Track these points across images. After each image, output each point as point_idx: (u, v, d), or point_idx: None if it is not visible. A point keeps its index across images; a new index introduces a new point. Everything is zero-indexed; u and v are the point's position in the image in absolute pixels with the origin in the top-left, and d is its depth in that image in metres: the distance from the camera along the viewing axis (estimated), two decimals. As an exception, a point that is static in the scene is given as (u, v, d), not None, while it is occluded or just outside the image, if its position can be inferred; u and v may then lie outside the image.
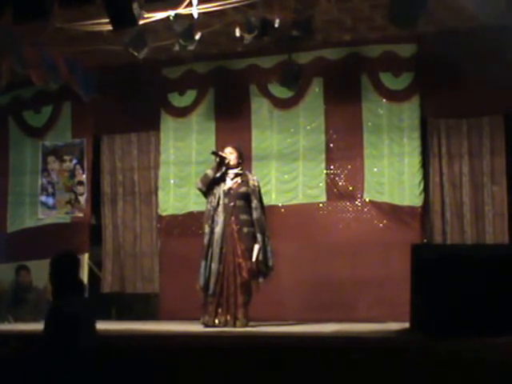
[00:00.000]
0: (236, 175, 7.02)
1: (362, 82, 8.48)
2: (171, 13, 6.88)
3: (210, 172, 7.03)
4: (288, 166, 8.72)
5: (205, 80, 9.04)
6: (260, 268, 6.85)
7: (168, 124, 9.19)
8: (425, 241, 8.08)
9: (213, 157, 7.21)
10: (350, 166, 8.50)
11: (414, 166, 8.22)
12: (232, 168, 7.01)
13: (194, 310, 7.27)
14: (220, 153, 7.10)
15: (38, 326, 7.26)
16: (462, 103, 8.07)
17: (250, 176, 7.13)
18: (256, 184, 7.05)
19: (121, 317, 8.99)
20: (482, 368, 4.51)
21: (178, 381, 5.04)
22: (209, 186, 7.00)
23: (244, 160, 7.26)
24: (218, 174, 6.98)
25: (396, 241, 7.88)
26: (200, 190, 7.13)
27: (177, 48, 7.38)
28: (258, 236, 6.85)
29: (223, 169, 6.98)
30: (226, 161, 6.98)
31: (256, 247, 6.82)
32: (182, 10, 6.85)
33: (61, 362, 4.21)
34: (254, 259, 6.81)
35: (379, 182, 8.40)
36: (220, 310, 6.79)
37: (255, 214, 6.90)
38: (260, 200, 7.04)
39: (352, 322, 7.36)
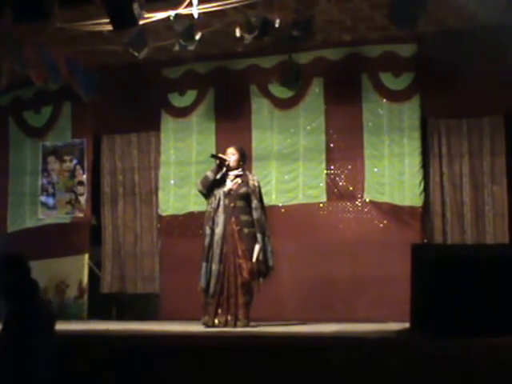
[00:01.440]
0: (236, 176, 7.00)
1: (362, 82, 8.48)
2: (171, 13, 6.88)
3: (210, 174, 7.01)
4: (288, 167, 8.72)
5: (205, 80, 9.04)
6: (260, 268, 6.84)
7: (168, 124, 9.19)
8: (425, 241, 8.08)
9: (213, 158, 7.22)
10: (350, 167, 8.50)
11: (414, 166, 8.22)
12: (232, 169, 6.99)
13: (194, 309, 7.25)
14: (220, 155, 7.08)
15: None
16: (462, 103, 8.06)
17: (250, 176, 7.10)
18: (256, 184, 7.02)
19: (121, 317, 8.99)
20: (482, 368, 4.51)
21: (178, 381, 5.04)
22: (209, 188, 6.98)
23: (246, 161, 7.24)
24: (218, 176, 6.96)
25: (396, 241, 7.88)
26: (201, 192, 7.11)
27: (177, 48, 7.38)
28: (258, 236, 6.83)
29: (223, 170, 6.97)
30: (226, 163, 6.96)
31: (256, 247, 6.81)
32: (182, 10, 6.85)
33: (23, 364, 4.17)
34: (254, 259, 6.79)
35: (379, 182, 8.39)
36: (220, 311, 6.77)
37: (255, 214, 6.88)
38: (260, 200, 7.01)
39: (352, 321, 7.35)
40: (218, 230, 6.83)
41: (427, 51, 8.13)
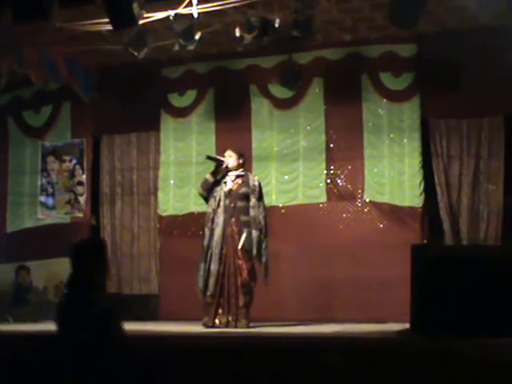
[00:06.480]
0: (237, 177, 7.00)
1: (362, 82, 8.48)
2: (171, 13, 6.87)
3: (209, 177, 7.01)
4: (288, 167, 8.72)
5: (205, 80, 9.03)
6: (248, 257, 6.78)
7: (168, 124, 9.18)
8: (425, 241, 8.08)
9: (209, 160, 7.21)
10: (350, 167, 8.50)
11: (414, 167, 8.22)
12: (232, 170, 6.99)
13: (193, 310, 7.26)
14: (217, 156, 7.07)
15: (38, 327, 7.26)
16: (462, 103, 8.06)
17: (250, 177, 7.10)
18: (256, 184, 7.01)
19: (120, 317, 8.97)
20: (481, 368, 4.51)
21: (178, 381, 5.03)
22: (209, 191, 6.97)
23: (245, 161, 7.24)
24: (219, 177, 6.96)
25: (396, 241, 7.87)
26: (201, 195, 7.11)
27: (177, 48, 7.38)
28: (253, 232, 6.81)
29: (223, 171, 6.96)
30: (224, 164, 6.96)
31: (243, 235, 6.78)
32: (181, 10, 6.84)
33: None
34: (239, 247, 6.75)
35: (379, 182, 8.39)
36: (221, 311, 6.77)
37: (252, 212, 6.85)
38: (260, 199, 6.98)
39: (352, 322, 7.35)
40: (218, 231, 6.83)
41: (427, 51, 8.13)
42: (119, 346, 4.03)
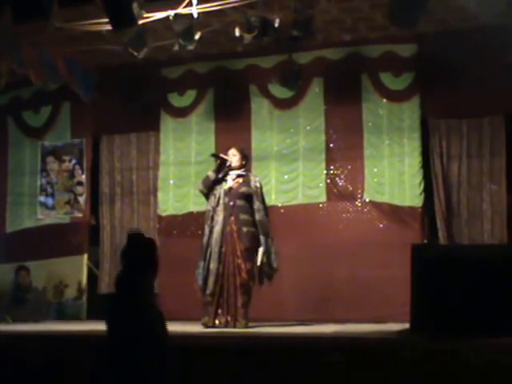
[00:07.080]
0: (238, 176, 7.00)
1: (362, 82, 8.47)
2: (171, 13, 6.87)
3: (211, 174, 7.02)
4: (288, 167, 8.71)
5: (205, 80, 9.03)
6: (264, 270, 6.83)
7: (168, 124, 9.18)
8: (425, 241, 8.07)
9: (213, 158, 7.23)
10: (350, 167, 8.49)
11: (414, 167, 8.21)
12: (234, 169, 7.00)
13: (193, 310, 7.26)
14: (221, 155, 7.10)
15: (38, 327, 7.26)
16: (463, 103, 8.06)
17: (252, 177, 7.10)
18: (258, 185, 7.02)
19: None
20: (481, 368, 4.51)
21: (177, 381, 5.02)
22: (210, 188, 6.99)
23: (248, 162, 7.25)
24: (220, 176, 6.98)
25: (396, 241, 7.86)
26: (201, 191, 7.12)
27: (177, 48, 7.38)
28: (261, 238, 6.83)
29: (225, 170, 6.98)
30: (228, 163, 6.98)
31: (260, 250, 6.80)
32: (181, 10, 6.84)
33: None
34: (258, 263, 6.78)
35: (379, 182, 8.38)
36: (220, 311, 6.77)
37: (258, 216, 6.87)
38: (262, 201, 7.01)
39: (352, 322, 7.35)
40: (217, 229, 6.83)
41: (427, 51, 8.13)
42: (164, 348, 4.02)
